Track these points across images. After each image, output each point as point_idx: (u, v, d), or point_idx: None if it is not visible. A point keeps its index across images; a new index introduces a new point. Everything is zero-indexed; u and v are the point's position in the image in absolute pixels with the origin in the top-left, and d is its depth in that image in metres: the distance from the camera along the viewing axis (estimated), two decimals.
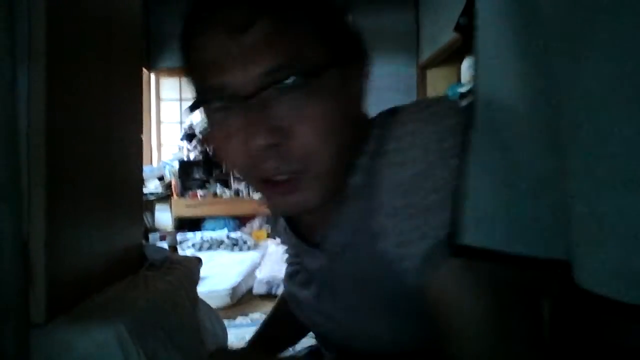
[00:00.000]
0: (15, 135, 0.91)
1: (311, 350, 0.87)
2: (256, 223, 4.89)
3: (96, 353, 0.96)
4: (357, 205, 0.56)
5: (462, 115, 0.49)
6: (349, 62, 0.55)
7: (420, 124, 0.52)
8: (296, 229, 0.67)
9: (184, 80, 0.68)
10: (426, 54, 4.45)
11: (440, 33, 4.05)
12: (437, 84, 4.47)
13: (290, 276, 0.74)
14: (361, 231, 0.55)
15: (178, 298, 1.37)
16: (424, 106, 0.54)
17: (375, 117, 0.61)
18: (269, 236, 4.69)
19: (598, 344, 0.50)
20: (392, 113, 0.59)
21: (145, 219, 4.65)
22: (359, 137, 0.57)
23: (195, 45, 0.55)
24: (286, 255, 0.84)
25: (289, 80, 0.49)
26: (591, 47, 0.31)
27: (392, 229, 0.51)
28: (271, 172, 0.52)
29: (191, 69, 0.58)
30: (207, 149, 4.85)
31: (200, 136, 4.66)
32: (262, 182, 0.54)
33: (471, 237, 0.42)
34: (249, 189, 4.61)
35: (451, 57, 4.02)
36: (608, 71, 0.31)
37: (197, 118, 4.77)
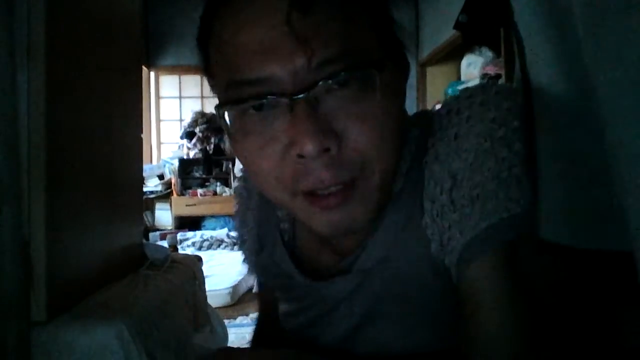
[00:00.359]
0: (16, 136, 0.91)
1: None
2: None
3: (97, 351, 0.96)
4: (396, 215, 0.50)
5: (516, 100, 0.45)
6: (398, 59, 0.49)
7: (470, 112, 0.46)
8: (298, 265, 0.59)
9: (203, 76, 0.50)
10: (426, 51, 4.45)
11: (440, 31, 4.05)
12: (437, 81, 4.47)
13: (292, 315, 0.62)
14: (402, 240, 0.49)
15: (179, 297, 1.38)
16: (475, 93, 0.47)
17: (411, 117, 0.55)
18: None
19: (602, 343, 0.50)
20: (423, 114, 0.54)
21: (145, 217, 4.66)
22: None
23: (225, 30, 0.43)
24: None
25: (345, 75, 0.41)
26: (604, 47, 0.31)
27: (439, 229, 0.46)
28: (320, 183, 0.43)
29: (217, 60, 0.46)
30: (207, 148, 4.86)
31: (200, 135, 4.66)
32: (304, 197, 0.45)
33: (542, 230, 0.40)
34: None
35: (451, 54, 4.01)
36: (621, 70, 0.31)
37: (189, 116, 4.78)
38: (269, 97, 0.42)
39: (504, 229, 0.43)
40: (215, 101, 0.48)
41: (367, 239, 0.52)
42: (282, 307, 0.65)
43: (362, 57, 0.42)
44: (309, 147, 0.40)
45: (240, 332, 2.54)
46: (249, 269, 0.73)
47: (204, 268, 1.76)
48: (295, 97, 0.41)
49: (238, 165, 2.65)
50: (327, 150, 0.41)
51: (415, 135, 0.51)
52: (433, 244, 0.47)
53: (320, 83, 0.40)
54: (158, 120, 5.25)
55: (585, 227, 0.39)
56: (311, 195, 0.44)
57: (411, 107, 2.02)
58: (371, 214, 0.46)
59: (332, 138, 0.41)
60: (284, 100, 0.41)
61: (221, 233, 4.40)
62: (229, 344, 1.87)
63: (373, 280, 0.52)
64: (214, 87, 0.49)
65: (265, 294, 0.75)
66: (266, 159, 0.44)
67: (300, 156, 0.41)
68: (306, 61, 0.40)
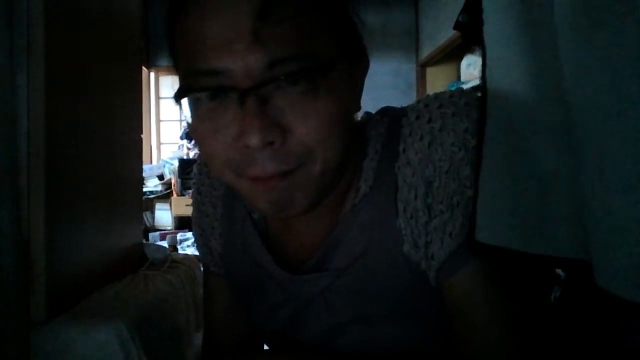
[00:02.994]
0: (15, 136, 0.91)
1: None
2: None
3: (96, 352, 0.96)
4: (368, 212, 0.52)
5: (477, 110, 0.46)
6: (354, 57, 0.51)
7: (442, 122, 0.48)
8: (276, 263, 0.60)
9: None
10: (426, 51, 4.45)
11: (440, 31, 4.05)
12: (437, 81, 4.47)
13: (260, 316, 0.63)
14: (376, 238, 0.51)
15: (178, 297, 1.38)
16: (446, 104, 0.49)
17: (369, 116, 0.57)
18: None
19: (600, 342, 0.50)
20: (386, 112, 0.55)
21: (145, 218, 4.66)
22: (356, 137, 0.53)
23: (190, 19, 0.46)
24: None
25: (294, 75, 0.43)
26: (597, 47, 0.31)
27: (412, 231, 0.48)
28: (263, 172, 0.46)
29: (179, 48, 0.49)
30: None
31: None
32: (250, 180, 0.47)
33: (487, 235, 0.41)
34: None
35: (451, 54, 4.02)
36: (613, 72, 0.31)
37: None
38: (221, 89, 0.45)
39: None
40: None
41: (339, 236, 0.53)
42: (252, 316, 0.65)
43: (313, 59, 0.44)
44: (254, 141, 0.43)
45: None
46: (209, 264, 0.71)
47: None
48: (246, 92, 0.43)
49: None
50: (271, 143, 0.44)
51: (381, 133, 0.53)
52: (406, 244, 0.49)
53: (270, 82, 0.43)
54: (158, 121, 5.25)
55: (536, 232, 0.40)
56: (256, 179, 0.47)
57: None
58: (311, 198, 0.48)
59: (277, 132, 0.44)
60: (235, 94, 0.44)
61: None
62: None
63: (348, 277, 0.53)
64: (177, 73, 0.52)
65: (217, 291, 0.72)
66: (217, 144, 0.47)
67: (247, 147, 0.44)
68: (259, 59, 0.43)
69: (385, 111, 0.57)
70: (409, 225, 0.48)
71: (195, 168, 0.72)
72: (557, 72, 0.37)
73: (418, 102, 0.52)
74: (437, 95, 0.51)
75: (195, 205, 0.71)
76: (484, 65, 0.44)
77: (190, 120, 0.49)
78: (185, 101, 0.48)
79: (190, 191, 4.89)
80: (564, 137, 0.39)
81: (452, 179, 0.46)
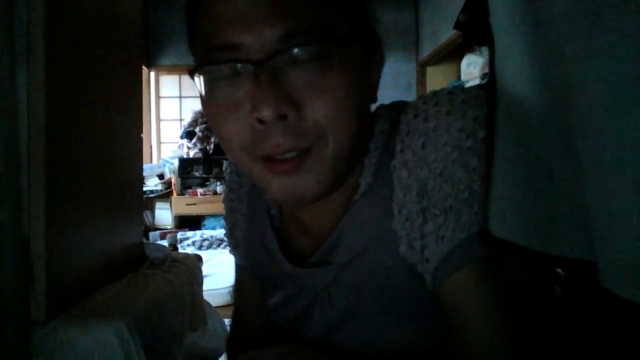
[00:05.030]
0: (15, 135, 0.91)
1: None
2: None
3: (97, 351, 0.96)
4: (369, 209, 0.52)
5: (483, 109, 0.46)
6: (368, 45, 0.50)
7: (436, 121, 0.47)
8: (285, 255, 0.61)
9: (184, 74, 0.54)
10: (426, 51, 4.45)
11: (440, 30, 4.05)
12: (437, 81, 4.47)
13: (277, 309, 0.64)
14: (376, 236, 0.51)
15: (178, 296, 1.38)
16: (442, 101, 0.48)
17: (378, 110, 0.56)
18: None
19: (600, 342, 0.50)
20: (394, 108, 0.54)
21: (145, 217, 4.66)
22: (366, 129, 0.52)
23: (209, 1, 0.47)
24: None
25: (308, 48, 0.43)
26: (596, 47, 0.31)
27: (409, 233, 0.48)
28: (276, 149, 0.45)
29: (198, 29, 0.49)
30: (207, 147, 4.85)
31: (200, 134, 4.65)
32: (261, 162, 0.47)
33: (498, 229, 0.41)
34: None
35: (451, 54, 4.02)
36: (613, 72, 0.31)
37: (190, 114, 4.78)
38: (236, 62, 0.45)
39: (480, 242, 0.43)
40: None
41: (343, 230, 0.54)
42: (270, 302, 0.66)
43: (327, 34, 0.44)
44: (267, 112, 0.43)
45: None
46: (237, 257, 0.74)
47: (203, 267, 1.76)
48: (260, 64, 0.43)
49: None
50: (284, 117, 0.44)
51: (383, 130, 0.53)
52: (402, 246, 0.49)
53: (284, 53, 0.43)
54: (158, 120, 5.25)
55: (542, 231, 0.40)
56: (268, 160, 0.47)
57: None
58: (323, 184, 0.48)
59: (290, 106, 0.44)
60: (249, 66, 0.44)
61: (221, 232, 4.40)
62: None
63: (350, 273, 0.53)
64: (194, 57, 0.51)
65: (245, 284, 0.75)
66: (231, 124, 0.47)
67: (260, 121, 0.44)
68: (274, 32, 0.43)
69: (394, 106, 0.56)
70: (405, 227, 0.48)
71: (227, 165, 0.75)
72: (558, 74, 0.37)
73: (419, 98, 0.52)
74: (435, 93, 0.50)
75: (226, 200, 0.74)
76: (492, 58, 0.43)
77: (204, 105, 0.49)
78: (200, 81, 0.48)
79: (190, 190, 4.90)
80: (564, 138, 0.39)
81: (445, 181, 0.45)
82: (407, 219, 0.48)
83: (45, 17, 0.93)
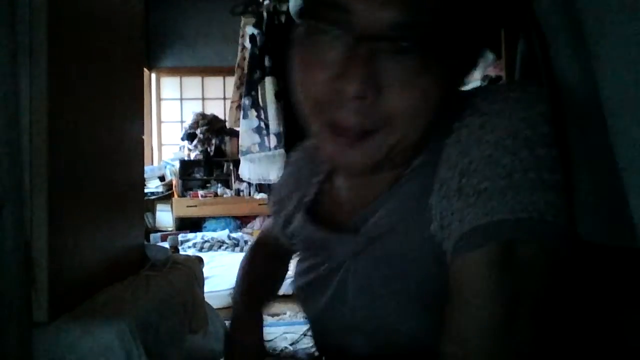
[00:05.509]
0: (18, 137, 0.91)
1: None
2: (257, 223, 4.89)
3: (98, 352, 0.96)
4: (411, 185, 0.52)
5: (548, 107, 0.45)
6: (469, 48, 0.50)
7: (502, 105, 0.47)
8: (317, 220, 0.63)
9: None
10: None
11: None
12: None
13: (302, 274, 0.66)
14: (411, 212, 0.51)
15: (179, 298, 1.38)
16: (514, 89, 0.48)
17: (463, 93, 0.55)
18: None
19: (600, 342, 0.50)
20: (465, 92, 0.53)
21: (146, 219, 4.66)
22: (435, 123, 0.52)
23: None
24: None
25: (415, 42, 0.43)
26: (604, 48, 0.31)
27: (442, 210, 0.47)
28: (344, 122, 0.46)
29: None
30: (208, 149, 4.85)
31: (201, 136, 4.64)
32: (329, 126, 0.48)
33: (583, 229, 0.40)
34: (249, 189, 4.60)
35: None
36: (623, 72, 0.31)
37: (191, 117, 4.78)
38: (343, 29, 0.44)
39: (504, 229, 0.43)
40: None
41: (381, 203, 0.54)
42: (298, 267, 0.68)
43: (438, 38, 0.44)
44: (352, 88, 0.43)
45: None
46: (272, 228, 0.77)
47: (204, 269, 1.76)
48: (363, 39, 0.43)
49: (239, 167, 2.66)
50: (363, 97, 0.44)
51: (448, 115, 0.52)
52: (434, 223, 0.48)
53: (391, 41, 0.43)
54: (159, 122, 5.25)
55: (619, 225, 0.39)
56: (335, 127, 0.47)
57: None
58: (376, 164, 0.49)
59: (373, 89, 0.44)
60: (350, 38, 0.44)
61: (222, 234, 4.40)
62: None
63: (378, 247, 0.53)
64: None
65: (272, 233, 0.77)
66: (313, 81, 0.47)
67: (341, 92, 0.45)
68: (391, 15, 0.43)
69: (472, 91, 0.55)
70: (441, 204, 0.47)
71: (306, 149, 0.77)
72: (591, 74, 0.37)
73: (492, 85, 0.51)
74: (510, 81, 0.51)
75: (286, 170, 0.77)
76: (546, 58, 0.43)
77: (294, 57, 0.49)
78: (298, 29, 0.48)
79: (191, 192, 4.90)
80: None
81: (488, 164, 0.44)
82: (444, 197, 0.47)
83: (47, 19, 0.93)
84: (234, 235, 4.34)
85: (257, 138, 2.51)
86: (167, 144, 5.28)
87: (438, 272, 0.48)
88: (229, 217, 4.85)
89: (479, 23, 0.50)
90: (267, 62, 2.46)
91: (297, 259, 0.70)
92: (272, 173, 2.54)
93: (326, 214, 0.63)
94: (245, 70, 2.65)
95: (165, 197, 4.84)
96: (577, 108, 0.42)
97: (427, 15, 0.43)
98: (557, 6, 0.41)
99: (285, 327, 2.46)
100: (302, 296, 0.66)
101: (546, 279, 0.44)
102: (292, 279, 0.70)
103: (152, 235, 4.51)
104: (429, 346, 0.47)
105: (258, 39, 2.51)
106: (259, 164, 2.55)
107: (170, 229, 4.80)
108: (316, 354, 0.67)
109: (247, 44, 2.63)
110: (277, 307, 2.66)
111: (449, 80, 0.48)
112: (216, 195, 4.85)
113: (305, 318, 0.68)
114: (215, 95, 5.12)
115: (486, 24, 0.52)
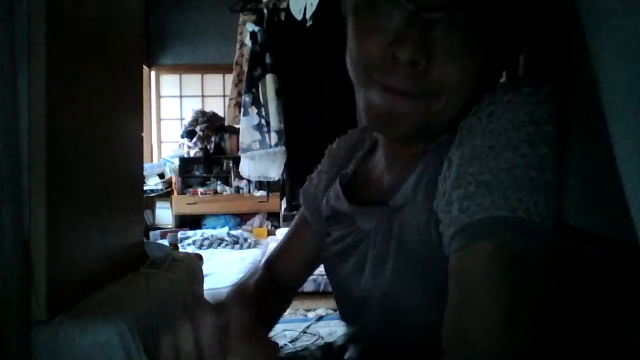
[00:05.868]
0: (17, 135, 0.91)
1: (322, 346, 0.81)
2: (257, 220, 4.89)
3: (98, 350, 0.96)
4: (431, 160, 0.54)
5: (556, 106, 0.47)
6: (516, 37, 0.52)
7: (512, 97, 0.48)
8: (348, 195, 0.65)
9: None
10: None
11: None
12: None
13: (331, 244, 0.69)
14: (426, 186, 0.53)
15: (179, 295, 1.38)
16: (529, 84, 0.49)
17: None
18: (269, 234, 4.69)
19: (600, 342, 0.50)
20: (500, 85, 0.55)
21: (145, 216, 4.66)
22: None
23: None
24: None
25: (466, 20, 0.46)
26: (605, 51, 0.31)
27: (445, 190, 0.48)
28: (395, 84, 0.48)
29: None
30: (208, 146, 4.85)
31: (200, 134, 4.63)
32: (377, 85, 0.50)
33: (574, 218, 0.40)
34: (249, 187, 4.60)
35: None
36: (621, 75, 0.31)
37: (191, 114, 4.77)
38: None
39: (502, 226, 0.43)
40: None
41: (407, 175, 0.56)
42: (328, 239, 0.70)
43: (487, 13, 0.46)
44: (405, 55, 0.46)
45: None
46: (303, 211, 0.80)
47: (204, 267, 1.77)
48: (422, 10, 0.46)
49: (238, 164, 2.66)
50: (416, 64, 0.46)
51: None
52: (437, 199, 0.50)
53: (448, 13, 0.45)
54: (159, 119, 5.25)
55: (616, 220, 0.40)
56: (383, 86, 0.50)
57: None
58: (413, 130, 0.51)
59: (425, 57, 0.46)
60: (411, 6, 0.46)
61: (222, 232, 4.40)
62: None
63: (397, 220, 0.55)
64: None
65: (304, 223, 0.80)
66: (368, 44, 0.50)
67: (394, 57, 0.47)
68: None
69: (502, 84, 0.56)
70: (444, 183, 0.49)
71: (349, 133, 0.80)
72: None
73: (517, 78, 0.54)
74: (531, 77, 0.52)
75: (328, 156, 0.80)
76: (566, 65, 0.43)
77: (349, 20, 0.52)
78: None
79: (190, 189, 4.89)
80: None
81: (490, 156, 0.46)
82: (448, 176, 0.49)
83: (46, 17, 0.93)
84: (233, 232, 4.34)
85: (257, 135, 2.50)
86: (166, 141, 5.28)
87: (437, 245, 0.49)
88: (228, 214, 4.85)
89: (527, 15, 0.52)
90: (268, 59, 2.45)
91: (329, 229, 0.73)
92: (273, 170, 2.53)
93: (359, 189, 0.66)
94: (245, 68, 2.64)
95: (165, 195, 4.84)
96: (586, 104, 0.42)
97: None
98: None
99: (284, 324, 2.46)
100: (327, 265, 0.69)
101: (546, 277, 0.44)
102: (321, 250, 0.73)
103: (151, 233, 4.52)
104: (439, 332, 0.47)
105: (259, 36, 2.50)
106: (260, 162, 2.55)
107: (169, 227, 4.80)
108: (330, 339, 0.68)
109: (247, 41, 2.62)
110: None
111: (494, 63, 0.51)
112: (216, 192, 4.85)
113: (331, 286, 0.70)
114: (214, 93, 5.11)
115: (532, 18, 0.53)
